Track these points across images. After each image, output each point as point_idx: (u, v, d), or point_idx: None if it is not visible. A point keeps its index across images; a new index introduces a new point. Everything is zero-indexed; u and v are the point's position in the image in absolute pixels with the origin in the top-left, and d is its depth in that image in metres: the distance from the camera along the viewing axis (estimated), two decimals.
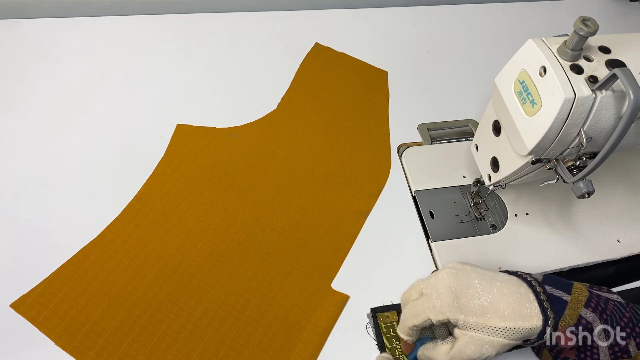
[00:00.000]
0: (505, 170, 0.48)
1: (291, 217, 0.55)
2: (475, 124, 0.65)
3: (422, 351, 0.43)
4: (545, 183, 0.48)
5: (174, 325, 0.47)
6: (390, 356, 0.46)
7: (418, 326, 0.41)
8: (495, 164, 0.50)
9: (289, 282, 0.51)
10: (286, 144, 0.61)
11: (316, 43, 0.71)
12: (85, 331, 0.45)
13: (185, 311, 0.47)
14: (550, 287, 0.41)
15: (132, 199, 0.53)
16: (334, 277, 0.52)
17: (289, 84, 0.66)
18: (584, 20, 0.38)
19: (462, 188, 0.59)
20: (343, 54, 0.71)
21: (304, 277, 0.51)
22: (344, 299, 0.50)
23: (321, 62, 0.70)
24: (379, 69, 0.70)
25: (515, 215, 0.57)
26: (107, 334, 0.45)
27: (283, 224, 0.54)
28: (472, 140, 0.55)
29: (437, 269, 0.53)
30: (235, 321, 0.48)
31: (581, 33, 0.38)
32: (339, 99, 0.66)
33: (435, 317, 0.40)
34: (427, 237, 0.55)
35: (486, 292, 0.40)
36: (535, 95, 0.40)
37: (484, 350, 0.39)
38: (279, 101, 0.64)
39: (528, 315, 0.39)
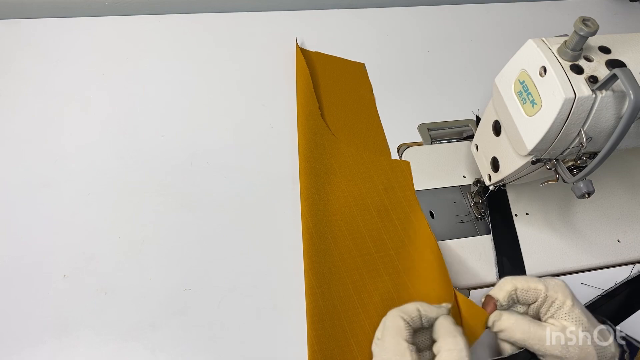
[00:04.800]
0: (505, 170, 0.48)
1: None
2: (476, 124, 0.65)
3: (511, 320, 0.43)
4: (545, 183, 0.48)
5: None
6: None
7: (521, 294, 0.43)
8: (495, 164, 0.50)
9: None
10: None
11: (297, 45, 0.69)
12: None
13: None
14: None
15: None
16: None
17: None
18: (584, 20, 0.38)
19: (462, 188, 0.59)
20: (318, 53, 0.69)
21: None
22: None
23: (304, 64, 0.67)
24: (355, 62, 0.70)
25: (516, 215, 0.57)
26: None
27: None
28: (472, 140, 0.55)
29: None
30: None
31: (581, 33, 0.38)
32: (323, 98, 0.65)
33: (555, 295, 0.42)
34: None
35: None
36: (535, 95, 0.40)
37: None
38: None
39: None
